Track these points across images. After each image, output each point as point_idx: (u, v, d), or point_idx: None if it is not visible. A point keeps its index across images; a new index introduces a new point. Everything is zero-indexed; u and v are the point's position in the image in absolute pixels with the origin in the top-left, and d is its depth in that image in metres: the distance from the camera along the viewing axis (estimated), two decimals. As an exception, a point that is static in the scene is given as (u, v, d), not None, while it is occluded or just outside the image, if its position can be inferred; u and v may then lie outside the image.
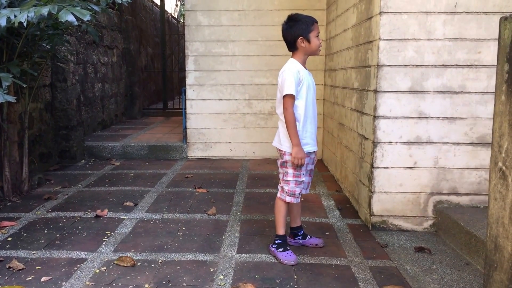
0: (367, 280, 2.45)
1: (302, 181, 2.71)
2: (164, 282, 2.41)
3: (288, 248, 2.74)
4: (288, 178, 2.70)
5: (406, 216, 3.15)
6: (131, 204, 3.72)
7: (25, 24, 2.96)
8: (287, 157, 2.68)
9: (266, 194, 4.04)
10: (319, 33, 2.66)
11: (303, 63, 2.69)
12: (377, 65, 3.05)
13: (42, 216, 3.42)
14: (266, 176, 4.66)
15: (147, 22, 9.82)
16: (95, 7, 3.44)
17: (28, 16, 2.94)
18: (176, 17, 14.18)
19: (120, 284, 2.39)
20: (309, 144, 2.70)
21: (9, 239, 2.99)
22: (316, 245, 2.90)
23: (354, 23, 3.69)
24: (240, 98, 5.42)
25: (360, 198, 3.43)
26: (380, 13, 2.99)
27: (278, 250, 2.71)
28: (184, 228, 3.19)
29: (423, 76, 3.03)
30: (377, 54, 3.04)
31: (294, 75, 2.58)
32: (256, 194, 4.04)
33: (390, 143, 3.08)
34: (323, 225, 3.27)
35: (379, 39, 3.02)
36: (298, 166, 2.65)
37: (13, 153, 3.91)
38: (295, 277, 2.48)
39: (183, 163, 5.33)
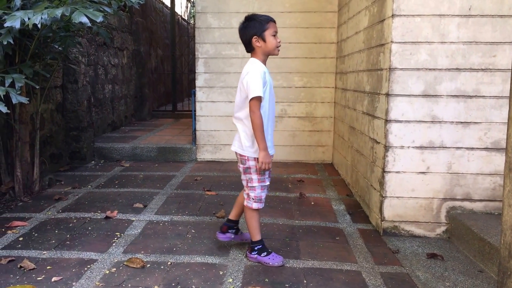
0: (378, 286, 2.42)
1: (267, 185, 2.67)
2: (173, 284, 2.40)
3: (270, 250, 2.70)
4: (254, 184, 2.64)
5: (418, 221, 3.11)
6: (141, 205, 3.72)
7: (39, 26, 2.97)
8: (250, 163, 2.62)
9: (275, 197, 4.02)
10: (276, 32, 2.57)
11: (264, 63, 2.62)
12: (389, 68, 3.02)
13: (53, 217, 3.44)
14: (275, 180, 4.64)
15: (157, 24, 9.86)
16: (107, 9, 3.45)
17: (41, 18, 2.96)
18: (186, 19, 14.23)
19: (129, 285, 2.39)
20: (270, 146, 2.61)
21: (21, 239, 3.01)
22: (246, 240, 2.88)
23: (366, 25, 3.67)
24: (250, 101, 5.41)
25: (371, 203, 3.40)
26: (393, 15, 2.97)
27: (262, 255, 2.67)
28: (193, 231, 3.19)
29: (436, 80, 3.00)
30: (389, 57, 3.02)
31: (261, 76, 2.50)
32: (265, 197, 4.01)
33: (402, 147, 3.05)
34: (333, 230, 3.25)
35: (391, 42, 3.00)
36: (263, 171, 2.60)
37: (25, 153, 3.93)
38: (305, 281, 2.46)
39: (192, 165, 5.33)
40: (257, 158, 2.58)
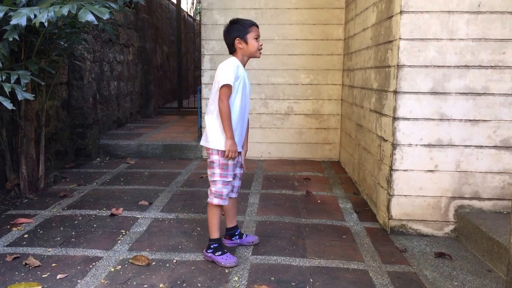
0: (385, 285, 2.40)
1: (229, 181, 2.67)
2: (178, 282, 2.39)
3: (226, 250, 2.70)
4: (215, 178, 2.65)
5: (426, 220, 3.08)
6: (146, 203, 3.71)
7: (45, 24, 2.96)
8: (214, 157, 2.64)
9: (281, 195, 4.00)
10: (258, 36, 2.66)
11: (243, 64, 2.69)
12: (397, 65, 2.99)
13: (58, 214, 3.43)
14: (282, 177, 4.61)
15: (163, 21, 9.84)
16: (113, 5, 3.43)
17: (48, 16, 2.94)
18: (192, 15, 14.20)
19: (135, 283, 2.38)
20: (237, 142, 2.64)
21: (26, 236, 3.01)
22: (252, 242, 2.89)
23: (374, 22, 3.63)
24: (256, 98, 5.38)
25: (379, 201, 3.37)
26: (401, 12, 2.93)
27: (216, 254, 2.65)
28: (199, 228, 3.17)
29: (445, 77, 2.96)
30: (397, 54, 2.98)
31: (234, 68, 2.58)
32: (271, 195, 4.00)
33: (410, 145, 3.02)
34: (340, 228, 3.22)
35: (400, 38, 2.96)
36: (225, 166, 2.63)
37: (30, 150, 3.93)
38: (311, 280, 2.44)
39: (198, 162, 5.31)
40: (221, 151, 2.61)
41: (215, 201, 2.67)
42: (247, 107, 2.75)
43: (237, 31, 2.64)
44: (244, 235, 2.94)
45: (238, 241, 2.90)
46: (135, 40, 7.90)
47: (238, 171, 2.80)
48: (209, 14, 5.31)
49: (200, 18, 8.49)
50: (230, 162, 2.64)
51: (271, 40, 5.27)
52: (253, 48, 2.64)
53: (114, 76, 6.82)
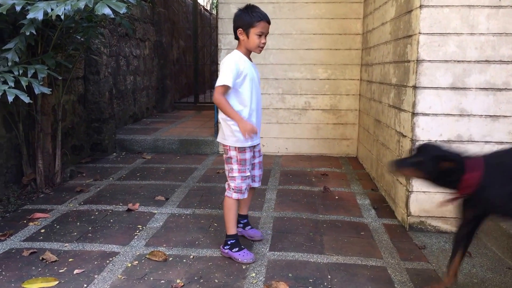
0: (403, 283, 2.37)
1: (247, 176, 2.66)
2: (195, 278, 2.39)
3: (243, 246, 2.67)
4: (234, 174, 2.64)
5: (445, 217, 3.03)
6: (162, 198, 3.71)
7: (62, 17, 2.97)
8: (231, 153, 2.63)
9: (299, 191, 3.97)
10: (263, 33, 2.57)
11: (247, 56, 2.64)
12: (417, 60, 2.93)
13: (75, 209, 3.46)
14: (299, 173, 4.58)
15: (179, 15, 9.84)
16: (130, 0, 3.42)
17: (65, 10, 2.95)
18: (208, 9, 14.17)
19: (152, 278, 2.38)
20: (252, 137, 2.60)
21: (42, 230, 3.03)
22: (251, 237, 2.86)
23: (393, 16, 3.57)
24: (273, 93, 5.35)
25: (397, 198, 3.32)
26: (421, 6, 2.88)
27: (233, 251, 2.63)
28: (215, 224, 3.16)
29: (465, 72, 2.90)
30: (417, 49, 2.93)
31: (233, 66, 2.52)
32: (288, 191, 3.98)
33: (429, 141, 2.96)
34: (358, 225, 3.18)
35: (419, 33, 2.91)
36: (243, 162, 2.62)
37: (46, 145, 3.96)
38: (329, 277, 2.42)
39: (214, 158, 5.30)
40: (238, 148, 2.60)
41: (235, 195, 2.65)
42: (259, 98, 2.70)
43: (243, 21, 2.57)
44: (249, 227, 2.91)
45: (240, 230, 2.87)
46: (152, 35, 7.91)
47: (257, 160, 2.78)
48: (226, 8, 5.28)
49: (216, 12, 8.46)
50: (248, 156, 2.62)
51: (288, 35, 5.23)
52: (253, 43, 2.57)
53: (130, 71, 6.85)
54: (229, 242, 2.66)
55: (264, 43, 2.61)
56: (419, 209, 3.04)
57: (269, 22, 2.60)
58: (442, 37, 2.89)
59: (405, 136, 3.13)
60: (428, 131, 2.96)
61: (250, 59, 2.66)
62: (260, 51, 2.63)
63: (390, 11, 3.68)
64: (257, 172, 2.81)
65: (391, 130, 3.55)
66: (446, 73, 2.91)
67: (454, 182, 1.94)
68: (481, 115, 2.92)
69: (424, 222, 3.06)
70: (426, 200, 3.02)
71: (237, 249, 2.64)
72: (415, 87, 2.95)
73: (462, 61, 2.90)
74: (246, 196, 2.70)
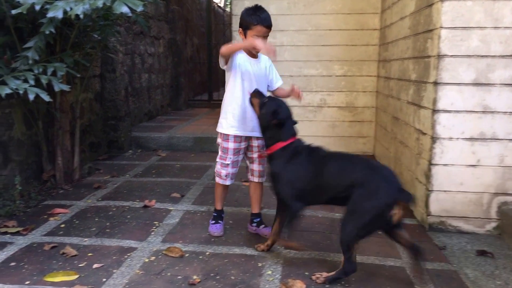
0: (423, 283, 2.31)
1: (227, 164, 2.83)
2: (212, 275, 2.39)
3: (220, 221, 2.95)
4: (216, 159, 2.90)
5: (467, 217, 2.97)
6: (178, 195, 3.71)
7: (81, 16, 2.98)
8: (218, 139, 2.88)
9: (314, 188, 3.93)
10: (258, 36, 2.63)
11: (248, 53, 2.76)
12: (438, 55, 2.87)
13: (93, 205, 3.48)
14: (313, 170, 4.54)
15: (193, 12, 9.85)
16: (147, -3, 3.43)
17: (83, 8, 2.97)
18: (222, 6, 14.15)
19: (169, 274, 2.39)
20: (235, 127, 2.77)
21: (62, 226, 3.06)
22: (266, 235, 2.86)
23: (413, 10, 3.50)
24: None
25: (416, 197, 3.26)
26: (442, -1, 2.81)
27: (211, 222, 2.97)
28: (231, 221, 3.15)
29: (489, 68, 2.84)
30: (438, 44, 2.87)
31: (237, 43, 2.77)
32: (303, 188, 3.94)
33: (450, 138, 2.90)
34: (375, 223, 3.14)
35: (441, 27, 2.85)
36: (225, 150, 2.82)
37: (65, 142, 3.99)
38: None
39: (228, 154, 5.29)
40: (222, 135, 2.82)
41: (216, 179, 2.92)
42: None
43: (242, 22, 2.71)
44: (262, 225, 2.95)
45: (255, 229, 2.97)
46: (166, 32, 7.93)
47: (256, 155, 2.87)
48: (240, 4, 5.24)
49: (230, 8, 8.42)
50: (231, 146, 2.79)
51: (303, 31, 5.18)
52: (249, 45, 2.67)
53: (145, 69, 6.87)
54: (213, 214, 3.02)
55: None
56: (440, 209, 2.99)
57: (268, 26, 2.67)
58: (465, 31, 2.83)
59: (425, 133, 3.07)
60: (450, 128, 2.90)
61: (255, 56, 2.77)
62: (257, 52, 2.71)
63: (409, 5, 3.61)
64: (256, 167, 2.89)
65: (410, 127, 3.49)
66: (469, 68, 2.85)
67: (270, 140, 2.52)
68: (506, 112, 2.85)
69: (444, 222, 3.00)
70: (447, 200, 2.97)
71: (214, 222, 2.96)
72: (436, 83, 2.89)
73: (486, 56, 2.83)
74: (227, 183, 2.89)
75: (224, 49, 2.63)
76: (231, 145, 2.80)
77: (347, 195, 2.21)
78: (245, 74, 2.73)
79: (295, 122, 2.59)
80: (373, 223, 2.18)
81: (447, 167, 2.93)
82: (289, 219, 2.46)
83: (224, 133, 2.81)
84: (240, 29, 2.72)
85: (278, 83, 2.92)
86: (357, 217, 2.18)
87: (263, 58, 2.83)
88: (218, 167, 2.88)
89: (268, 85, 2.88)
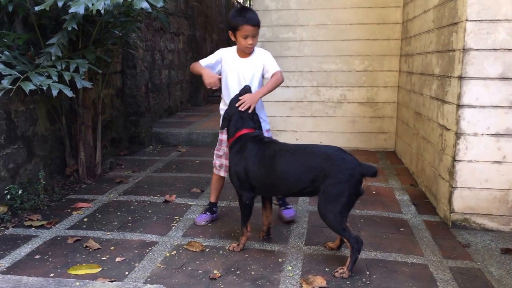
0: (446, 281, 2.29)
1: (221, 155, 3.00)
2: (232, 269, 2.39)
3: (208, 213, 3.07)
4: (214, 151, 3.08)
5: (492, 214, 2.90)
6: (198, 190, 3.73)
7: (102, 11, 3.02)
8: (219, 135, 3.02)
9: (334, 184, 3.90)
10: (247, 36, 2.74)
11: (241, 53, 2.86)
12: (463, 49, 2.81)
13: (115, 199, 3.52)
14: (333, 166, 4.51)
15: (212, 8, 9.86)
16: (167, -7, 3.44)
17: (105, 4, 3.00)
18: (241, 1, 14.12)
19: (190, 268, 2.41)
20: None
21: (85, 219, 3.11)
22: (282, 219, 3.07)
23: (437, 3, 3.43)
24: (308, 86, 5.27)
25: (439, 194, 3.21)
26: (468, -8, 2.75)
27: (201, 212, 3.14)
28: (251, 217, 3.14)
29: (517, 62, 2.76)
30: (463, 37, 2.80)
31: (214, 54, 2.91)
32: (324, 184, 3.91)
33: (475, 134, 2.84)
34: (397, 221, 3.10)
35: (466, 20, 2.78)
36: (220, 142, 2.99)
37: (88, 137, 4.05)
38: (367, 273, 2.37)
39: (248, 150, 5.28)
40: (221, 131, 2.94)
41: (213, 170, 3.07)
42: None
43: (230, 24, 2.80)
44: (283, 207, 3.10)
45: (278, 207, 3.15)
46: (185, 29, 7.95)
47: None
48: (260, 0, 5.23)
49: (249, 4, 8.42)
50: (224, 138, 2.87)
51: (323, 25, 5.12)
52: (240, 45, 2.81)
53: (165, 65, 6.91)
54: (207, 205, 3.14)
55: (252, 44, 2.79)
56: (463, 206, 2.93)
57: (255, 25, 2.75)
58: (491, 24, 2.75)
59: (449, 129, 3.01)
60: (474, 124, 2.84)
61: (247, 55, 2.85)
62: (249, 51, 2.83)
63: (433, -2, 3.54)
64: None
65: (433, 123, 3.43)
66: (495, 62, 2.77)
67: (230, 132, 2.69)
68: (533, 107, 2.78)
69: (468, 219, 2.94)
70: (471, 197, 2.91)
71: (204, 212, 3.10)
72: (460, 78, 2.83)
73: (514, 49, 2.75)
74: (222, 174, 3.02)
75: (192, 67, 2.96)
76: (224, 137, 2.91)
77: (314, 189, 2.39)
78: (232, 74, 2.86)
79: (250, 116, 2.69)
80: (351, 201, 2.37)
81: (472, 164, 2.87)
82: (241, 209, 2.67)
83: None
84: (230, 31, 2.82)
85: (268, 74, 2.91)
86: (336, 203, 2.32)
87: (257, 54, 2.87)
88: (214, 158, 3.05)
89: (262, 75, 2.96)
